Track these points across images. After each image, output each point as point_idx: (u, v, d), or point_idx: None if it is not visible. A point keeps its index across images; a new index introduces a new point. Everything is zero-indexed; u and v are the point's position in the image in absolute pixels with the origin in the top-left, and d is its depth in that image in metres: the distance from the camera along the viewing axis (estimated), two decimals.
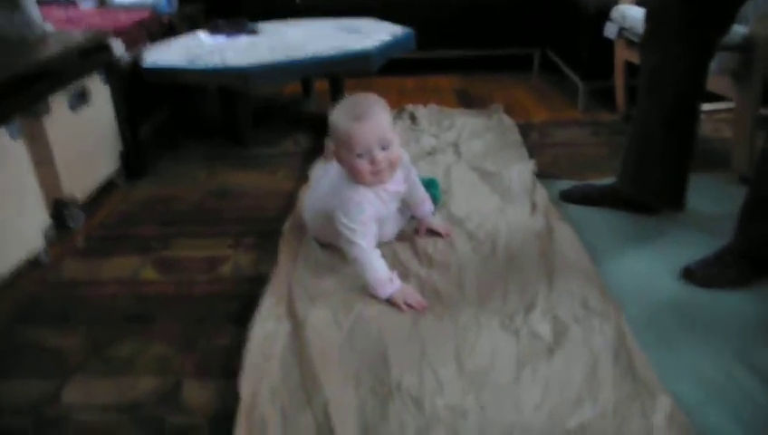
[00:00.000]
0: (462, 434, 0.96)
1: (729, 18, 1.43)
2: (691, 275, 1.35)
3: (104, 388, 1.15)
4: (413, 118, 2.40)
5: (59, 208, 1.68)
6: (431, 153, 2.06)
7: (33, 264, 1.55)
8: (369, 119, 1.26)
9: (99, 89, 1.87)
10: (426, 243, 1.51)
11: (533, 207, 1.66)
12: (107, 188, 1.94)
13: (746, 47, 1.71)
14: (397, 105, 2.59)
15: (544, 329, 1.18)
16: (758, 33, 1.69)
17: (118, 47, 2.00)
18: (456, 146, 2.11)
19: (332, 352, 1.14)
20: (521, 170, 1.87)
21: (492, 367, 1.09)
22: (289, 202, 1.81)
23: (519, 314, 1.22)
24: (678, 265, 1.39)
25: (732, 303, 1.28)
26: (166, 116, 2.49)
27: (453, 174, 1.89)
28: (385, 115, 1.28)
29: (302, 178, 1.97)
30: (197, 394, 1.12)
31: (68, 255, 1.62)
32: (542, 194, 1.72)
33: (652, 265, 1.42)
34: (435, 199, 1.61)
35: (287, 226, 1.62)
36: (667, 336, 1.19)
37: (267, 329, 1.22)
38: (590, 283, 1.30)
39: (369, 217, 1.32)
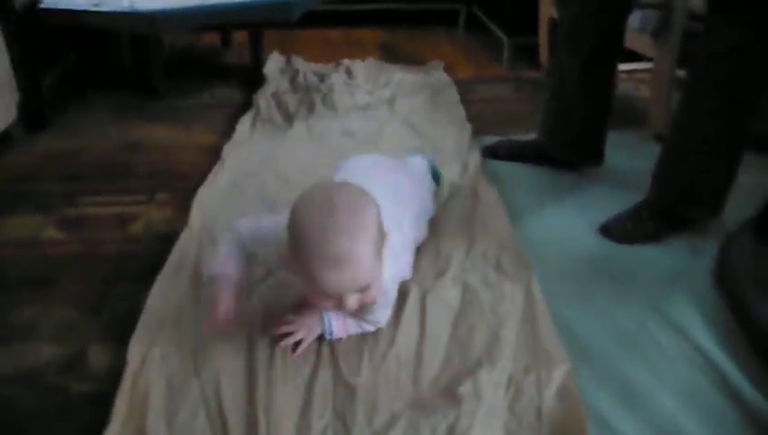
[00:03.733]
0: (351, 414, 0.94)
1: None
2: (608, 230, 1.38)
3: (2, 357, 1.07)
4: (349, 72, 2.32)
5: None
6: (365, 108, 2.01)
7: None
8: (350, 266, 0.87)
9: None
10: None
11: (464, 169, 1.64)
12: (3, 141, 1.78)
13: (667, 5, 1.74)
14: (322, 59, 2.51)
15: (453, 295, 1.16)
16: None
17: None
18: (390, 103, 2.06)
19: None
20: (455, 132, 1.85)
21: (394, 341, 1.06)
22: (207, 158, 1.72)
23: (428, 281, 1.20)
24: (597, 221, 1.42)
25: (646, 256, 1.32)
26: (71, 64, 2.31)
27: (385, 131, 1.85)
28: (369, 246, 0.89)
29: (223, 132, 1.88)
30: (104, 360, 1.05)
31: None
32: (474, 157, 1.70)
33: (571, 220, 1.44)
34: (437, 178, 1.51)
35: (205, 184, 1.54)
36: (584, 289, 1.21)
37: (167, 292, 1.16)
38: (506, 246, 1.30)
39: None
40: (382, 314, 1.06)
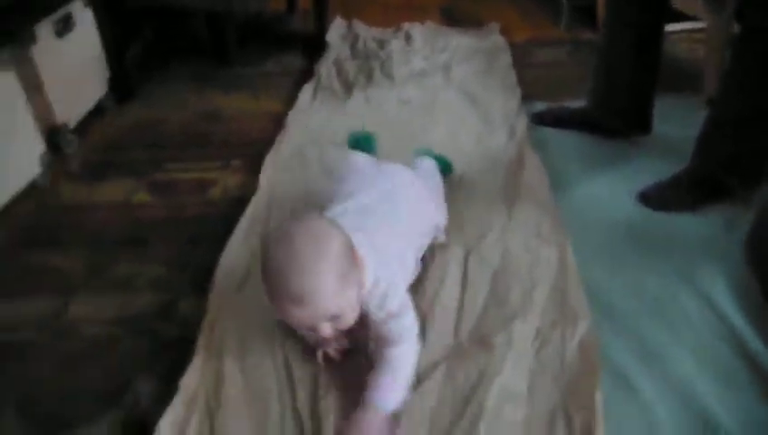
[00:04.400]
0: None
1: None
2: (646, 198, 1.45)
3: (107, 303, 1.27)
4: (408, 37, 2.41)
5: (52, 135, 1.74)
6: (421, 75, 2.11)
7: (31, 189, 1.63)
8: (310, 304, 0.90)
9: (82, 14, 1.89)
10: None
11: (511, 135, 1.73)
12: (96, 113, 1.99)
13: None
14: (383, 23, 2.60)
15: (494, 256, 1.28)
16: None
17: None
18: (446, 69, 2.15)
19: None
20: (506, 98, 1.93)
21: (438, 292, 1.20)
22: (274, 126, 1.87)
23: (472, 242, 1.32)
24: (638, 189, 1.48)
25: (681, 226, 1.39)
26: (151, 38, 2.50)
27: (439, 98, 1.95)
28: (331, 283, 0.90)
29: (288, 100, 2.02)
30: (190, 309, 1.24)
31: (64, 180, 1.70)
32: (522, 123, 1.78)
33: (613, 188, 1.51)
34: (448, 170, 1.55)
35: (271, 152, 1.70)
36: (617, 255, 1.30)
37: (239, 251, 1.34)
38: (546, 212, 1.40)
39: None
40: (409, 325, 1.05)
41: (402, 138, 1.71)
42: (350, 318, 0.97)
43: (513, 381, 1.03)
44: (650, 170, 1.54)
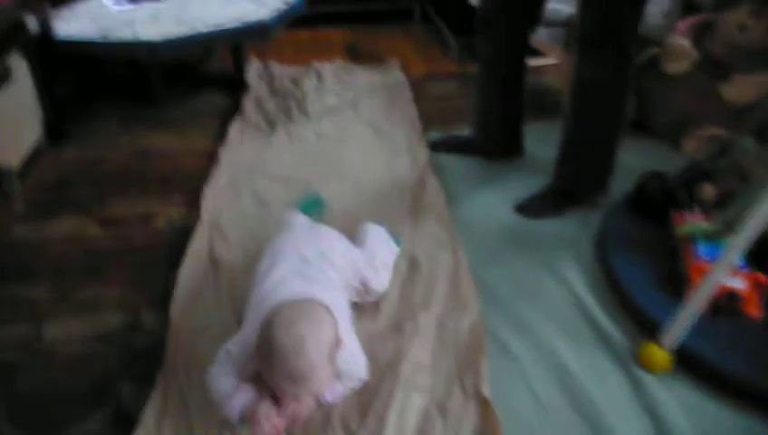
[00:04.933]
0: None
1: (538, 15, 1.86)
2: (521, 208, 1.82)
3: (79, 324, 1.48)
4: (319, 75, 2.71)
5: None
6: (333, 111, 2.41)
7: None
8: (305, 382, 1.08)
9: (19, 65, 2.05)
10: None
11: (413, 162, 2.07)
12: (34, 156, 2.14)
13: (568, 23, 2.16)
14: (295, 61, 2.89)
15: (403, 266, 1.60)
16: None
17: (32, 22, 2.16)
18: (354, 104, 2.46)
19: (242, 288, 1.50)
20: (408, 130, 2.27)
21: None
22: (206, 161, 2.12)
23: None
24: (514, 201, 1.86)
25: (548, 228, 1.76)
26: (78, 80, 2.66)
27: (350, 131, 2.26)
28: (323, 367, 1.09)
29: (216, 136, 2.27)
30: (155, 322, 1.47)
31: (13, 221, 1.86)
32: (422, 151, 2.12)
33: (495, 201, 1.88)
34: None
35: (209, 184, 1.95)
36: (498, 253, 1.66)
37: (191, 274, 1.59)
38: (443, 224, 1.74)
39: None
40: (361, 371, 1.25)
41: (322, 167, 2.03)
42: (324, 389, 1.15)
43: (421, 355, 1.34)
44: (524, 186, 1.92)
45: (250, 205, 1.86)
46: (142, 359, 1.38)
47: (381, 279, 1.48)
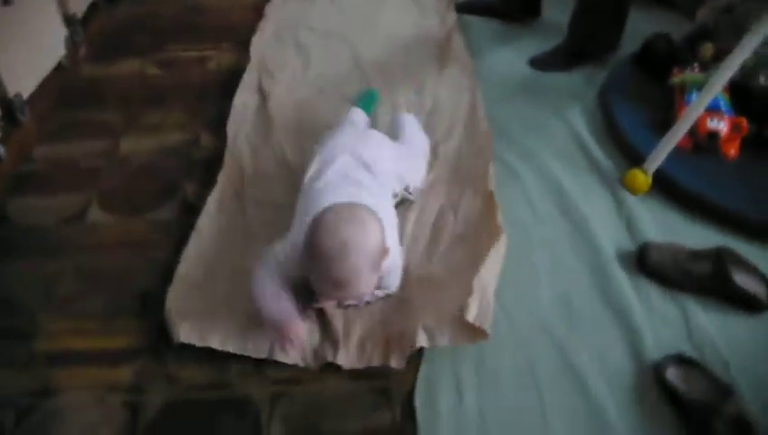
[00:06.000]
0: None
1: None
2: (534, 62, 2.00)
3: (147, 140, 1.75)
4: None
5: (68, 23, 2.12)
6: None
7: (58, 69, 1.98)
8: (349, 288, 1.10)
9: None
10: None
11: (442, 22, 2.23)
12: (91, 11, 2.30)
13: None
14: None
15: (427, 102, 1.82)
16: None
17: None
18: None
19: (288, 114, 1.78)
20: None
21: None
22: (254, 15, 2.29)
23: (410, 90, 1.85)
24: (530, 56, 2.04)
25: (557, 80, 1.95)
26: None
27: None
28: (367, 272, 1.10)
29: None
30: (212, 141, 1.73)
31: (82, 62, 2.10)
32: (452, 14, 2.27)
33: (512, 57, 2.06)
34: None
35: (257, 34, 2.15)
36: (511, 97, 1.87)
37: (244, 98, 1.83)
38: (466, 72, 1.93)
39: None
40: (395, 282, 1.27)
41: (358, 23, 2.22)
42: (366, 295, 1.20)
43: (441, 172, 1.58)
44: (539, 44, 2.08)
45: (293, 53, 2.07)
46: (202, 168, 1.65)
47: (420, 175, 1.52)
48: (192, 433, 1.11)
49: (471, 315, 1.17)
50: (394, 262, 1.22)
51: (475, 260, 1.30)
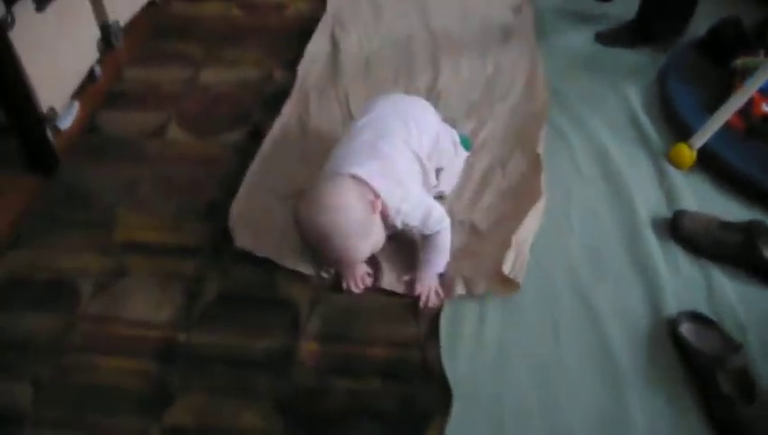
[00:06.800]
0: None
1: None
2: (600, 36, 2.04)
3: (225, 72, 1.91)
4: None
5: None
6: None
7: (150, 5, 2.15)
8: (346, 261, 1.26)
9: None
10: None
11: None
12: None
13: None
14: None
15: (490, 67, 1.90)
16: None
17: None
18: None
19: (355, 64, 1.89)
20: None
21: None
22: None
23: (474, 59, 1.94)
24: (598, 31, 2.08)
25: (620, 56, 1.98)
26: None
27: None
28: (361, 245, 1.19)
29: None
30: (285, 77, 1.87)
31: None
32: None
33: (581, 29, 2.10)
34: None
35: None
36: (572, 69, 1.92)
37: (317, 45, 1.96)
38: (528, 43, 2.00)
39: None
40: (439, 218, 1.28)
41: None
42: (380, 244, 1.26)
43: (494, 129, 1.67)
44: (607, 21, 2.12)
45: (367, 8, 2.17)
46: (273, 101, 1.78)
47: (452, 172, 1.51)
48: (239, 320, 1.26)
49: (507, 268, 1.28)
50: (405, 201, 1.24)
51: (515, 216, 1.40)
